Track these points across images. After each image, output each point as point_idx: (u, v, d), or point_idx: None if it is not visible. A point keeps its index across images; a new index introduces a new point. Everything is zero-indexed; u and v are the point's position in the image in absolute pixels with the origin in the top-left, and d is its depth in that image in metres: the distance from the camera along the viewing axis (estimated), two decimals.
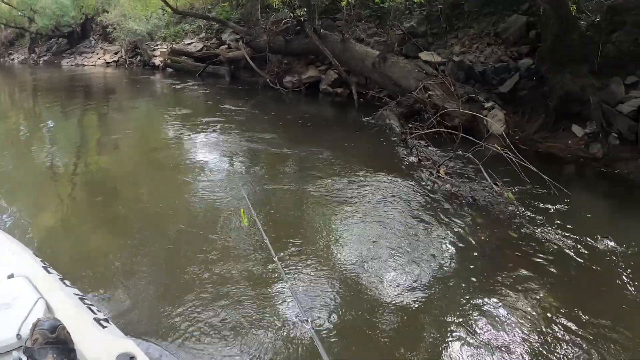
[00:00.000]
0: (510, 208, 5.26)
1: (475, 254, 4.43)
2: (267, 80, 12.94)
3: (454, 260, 4.34)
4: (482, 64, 9.87)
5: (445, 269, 4.21)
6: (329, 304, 3.64)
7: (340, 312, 3.56)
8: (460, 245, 4.58)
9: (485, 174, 5.64)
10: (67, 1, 24.76)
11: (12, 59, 29.40)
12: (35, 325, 1.83)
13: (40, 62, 26.31)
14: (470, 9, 11.52)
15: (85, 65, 22.60)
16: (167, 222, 5.13)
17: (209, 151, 7.73)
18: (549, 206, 5.32)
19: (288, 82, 12.80)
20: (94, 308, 2.54)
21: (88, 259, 4.41)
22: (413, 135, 6.76)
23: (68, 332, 1.88)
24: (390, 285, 3.89)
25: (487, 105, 8.84)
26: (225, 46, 17.36)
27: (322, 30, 11.72)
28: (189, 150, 7.86)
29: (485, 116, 8.24)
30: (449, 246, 4.57)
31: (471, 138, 6.55)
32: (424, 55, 10.51)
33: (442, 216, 5.12)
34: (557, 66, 8.32)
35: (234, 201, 5.45)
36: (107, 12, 22.78)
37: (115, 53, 22.89)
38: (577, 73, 8.05)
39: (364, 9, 13.41)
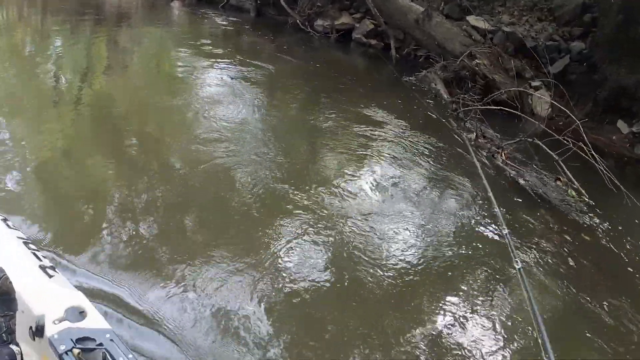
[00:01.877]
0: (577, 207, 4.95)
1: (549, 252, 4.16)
2: (297, 21, 12.20)
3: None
4: (533, 39, 9.35)
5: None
6: None
7: None
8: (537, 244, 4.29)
9: (565, 169, 5.26)
10: None
11: None
12: None
13: None
14: None
15: None
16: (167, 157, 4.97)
17: (222, 91, 7.21)
18: (620, 211, 5.01)
19: (319, 25, 12.07)
20: (39, 254, 2.26)
21: (80, 189, 4.21)
22: (468, 107, 6.33)
23: (10, 282, 1.64)
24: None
25: (534, 84, 8.44)
26: None
27: None
28: (199, 88, 7.33)
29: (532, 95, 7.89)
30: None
31: (549, 131, 6.08)
32: (473, 20, 9.91)
33: (511, 208, 4.81)
34: (614, 57, 7.94)
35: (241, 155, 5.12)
36: None
37: None
38: (634, 67, 7.67)
39: None
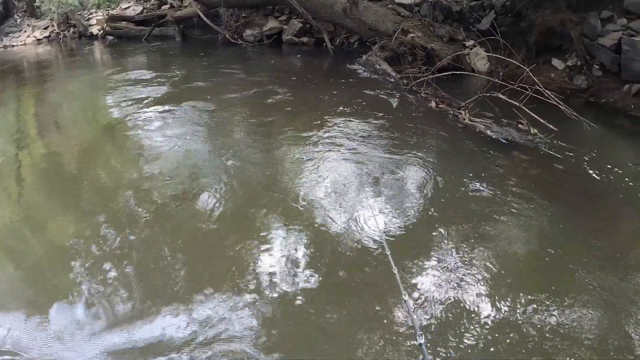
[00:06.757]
0: (542, 144, 5.27)
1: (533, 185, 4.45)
2: (227, 35, 12.28)
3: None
4: (457, 3, 9.73)
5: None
6: None
7: None
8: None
9: (529, 112, 5.50)
10: None
11: None
12: None
13: None
14: None
15: (14, 46, 20.35)
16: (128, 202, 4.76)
17: (166, 123, 6.83)
18: (578, 139, 5.39)
19: (249, 35, 12.20)
20: None
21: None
22: (419, 79, 6.58)
23: None
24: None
25: (468, 44, 8.79)
26: (168, 5, 16.39)
27: None
28: (141, 127, 6.86)
29: (469, 54, 8.21)
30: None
31: (503, 82, 6.19)
32: None
33: (489, 158, 5.09)
34: (535, 2, 8.35)
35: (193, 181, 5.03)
36: None
37: (45, 28, 20.91)
38: (555, 8, 8.09)
39: None
